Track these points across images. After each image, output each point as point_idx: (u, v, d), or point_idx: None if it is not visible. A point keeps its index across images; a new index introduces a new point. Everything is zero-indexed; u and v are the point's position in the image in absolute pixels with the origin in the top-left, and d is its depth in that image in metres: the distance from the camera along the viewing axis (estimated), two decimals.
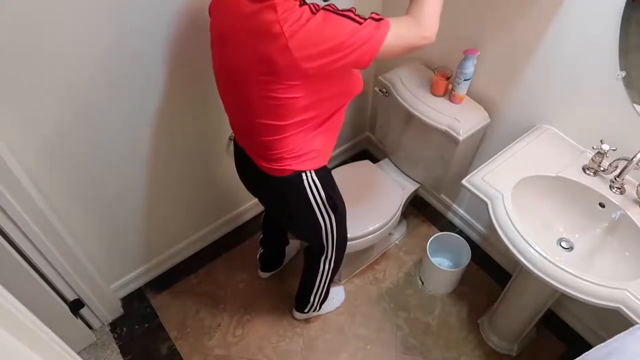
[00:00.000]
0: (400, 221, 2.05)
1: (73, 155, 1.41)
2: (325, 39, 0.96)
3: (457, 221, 2.19)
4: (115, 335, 1.86)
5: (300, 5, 0.98)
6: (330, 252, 1.53)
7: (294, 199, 1.32)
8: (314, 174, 1.28)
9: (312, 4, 0.99)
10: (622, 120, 1.30)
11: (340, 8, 1.02)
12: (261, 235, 1.93)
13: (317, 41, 0.96)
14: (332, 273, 1.63)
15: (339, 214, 1.41)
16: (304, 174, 1.26)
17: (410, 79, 1.76)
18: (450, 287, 1.98)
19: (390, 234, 2.01)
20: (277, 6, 0.95)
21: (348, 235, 1.70)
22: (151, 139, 1.56)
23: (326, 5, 1.00)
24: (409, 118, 1.75)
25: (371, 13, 1.03)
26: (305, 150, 1.23)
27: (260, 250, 1.98)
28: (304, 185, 1.27)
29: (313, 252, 1.57)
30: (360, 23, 0.99)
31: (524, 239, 1.22)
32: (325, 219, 1.38)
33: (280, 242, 1.97)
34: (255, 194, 1.52)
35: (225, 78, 1.19)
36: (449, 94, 1.69)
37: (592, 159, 1.34)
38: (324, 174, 1.34)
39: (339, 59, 0.98)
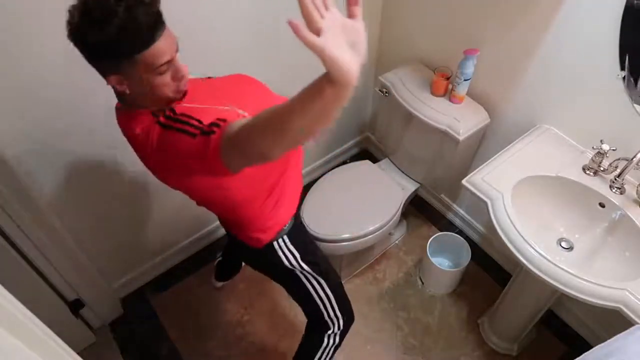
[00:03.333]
0: (400, 221, 2.05)
1: (73, 156, 1.41)
2: (167, 159, 0.95)
3: (457, 221, 2.19)
4: (115, 335, 1.86)
5: (154, 118, 0.95)
6: (337, 326, 1.40)
7: (275, 271, 1.27)
8: (287, 241, 1.22)
9: (163, 113, 0.95)
10: (622, 120, 1.30)
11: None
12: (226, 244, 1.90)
13: (163, 161, 0.96)
14: (335, 349, 1.46)
15: (331, 279, 1.33)
16: (276, 244, 1.21)
17: (410, 79, 1.76)
18: (450, 287, 1.98)
19: (390, 234, 2.01)
20: (137, 123, 0.96)
21: (347, 236, 1.71)
22: None
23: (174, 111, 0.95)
24: (409, 118, 1.75)
25: (217, 120, 0.88)
26: (269, 223, 1.18)
27: (219, 258, 1.95)
28: (279, 256, 1.22)
29: (315, 326, 1.43)
30: (194, 135, 0.89)
31: (524, 239, 1.22)
32: (315, 286, 1.30)
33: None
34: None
35: None
36: (449, 94, 1.69)
37: (592, 159, 1.34)
38: (300, 238, 1.25)
39: (188, 171, 0.94)
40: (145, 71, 0.85)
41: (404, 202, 1.87)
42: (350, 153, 2.48)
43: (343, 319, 1.40)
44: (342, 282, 1.97)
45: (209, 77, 1.13)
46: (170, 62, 0.87)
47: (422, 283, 2.01)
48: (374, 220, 1.75)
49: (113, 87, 0.90)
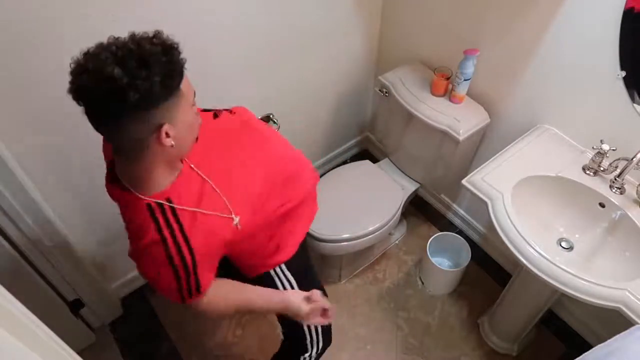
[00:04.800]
0: (400, 221, 2.05)
1: (74, 155, 1.41)
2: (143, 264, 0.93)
3: (457, 221, 2.19)
4: (115, 335, 1.86)
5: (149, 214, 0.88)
6: (315, 350, 1.36)
7: None
8: (285, 269, 1.19)
9: (161, 210, 0.88)
10: (622, 120, 1.30)
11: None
12: None
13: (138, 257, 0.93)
14: None
15: None
16: (273, 272, 1.18)
17: (410, 79, 1.76)
18: (450, 287, 1.98)
19: (390, 234, 2.01)
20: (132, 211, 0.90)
21: (347, 236, 1.71)
22: None
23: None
24: (409, 118, 1.75)
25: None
26: (270, 262, 1.17)
27: None
28: (275, 283, 1.19)
29: (293, 348, 1.39)
30: (179, 283, 0.90)
31: (524, 239, 1.22)
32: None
33: None
34: None
35: None
36: (449, 94, 1.69)
37: (592, 159, 1.34)
38: (301, 265, 1.23)
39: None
40: (187, 105, 0.81)
41: (404, 202, 1.88)
42: (350, 153, 2.48)
43: (322, 343, 1.37)
44: (343, 282, 2.00)
45: (216, 115, 1.07)
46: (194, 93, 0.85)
47: (422, 283, 2.01)
48: (374, 220, 1.75)
49: (147, 150, 0.81)
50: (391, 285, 2.01)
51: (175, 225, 0.88)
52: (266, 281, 1.18)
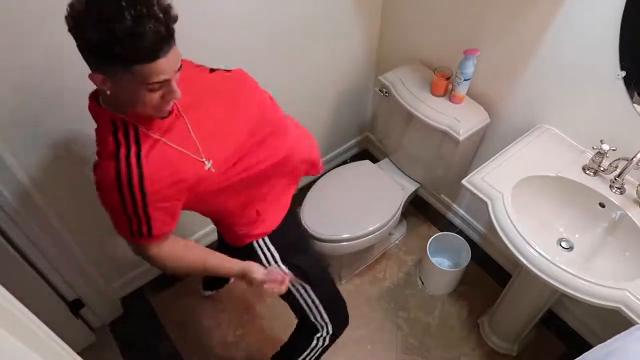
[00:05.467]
0: (400, 221, 2.05)
1: (74, 155, 1.41)
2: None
3: (457, 221, 2.19)
4: (115, 335, 1.86)
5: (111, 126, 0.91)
6: (326, 330, 1.36)
7: None
8: (267, 242, 1.20)
9: (124, 126, 0.91)
10: (622, 120, 1.30)
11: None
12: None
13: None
14: (323, 351, 1.43)
15: (321, 285, 1.30)
16: (255, 243, 1.20)
17: (410, 79, 1.76)
18: (450, 287, 1.98)
19: (390, 234, 2.01)
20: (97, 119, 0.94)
21: (347, 236, 1.71)
22: None
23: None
24: (409, 118, 1.75)
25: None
26: (255, 231, 1.19)
27: None
28: (258, 255, 1.20)
29: (304, 327, 1.39)
30: (126, 211, 0.90)
31: (524, 239, 1.22)
32: (299, 289, 1.26)
33: None
34: None
35: None
36: (449, 94, 1.69)
37: (592, 159, 1.34)
38: (284, 240, 1.23)
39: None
40: (136, 83, 0.80)
41: (404, 202, 1.87)
42: (350, 153, 2.48)
43: (332, 324, 1.37)
44: (343, 282, 2.00)
45: (212, 70, 1.09)
46: (165, 82, 0.82)
47: (422, 283, 2.01)
48: (374, 220, 1.75)
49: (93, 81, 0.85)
50: (391, 285, 2.01)
51: (133, 148, 0.89)
52: (249, 252, 1.20)
